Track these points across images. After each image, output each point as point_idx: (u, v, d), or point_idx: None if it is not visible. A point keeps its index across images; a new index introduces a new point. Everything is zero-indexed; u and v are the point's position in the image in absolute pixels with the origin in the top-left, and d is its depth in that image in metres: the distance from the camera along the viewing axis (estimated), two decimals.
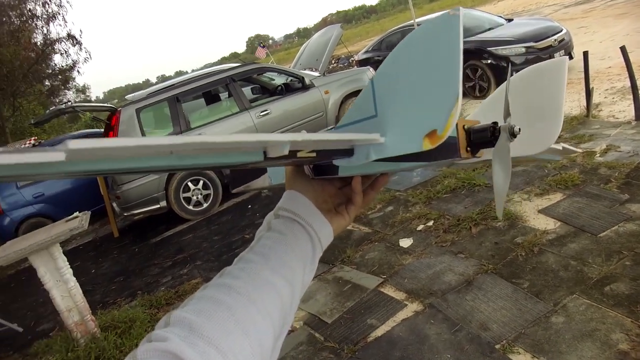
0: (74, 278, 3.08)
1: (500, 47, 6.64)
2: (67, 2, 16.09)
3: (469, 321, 2.38)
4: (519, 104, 0.65)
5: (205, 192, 5.75)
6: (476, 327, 2.32)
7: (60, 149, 0.28)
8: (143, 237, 5.83)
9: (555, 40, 6.59)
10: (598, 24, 9.74)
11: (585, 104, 4.85)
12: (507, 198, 3.51)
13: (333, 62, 15.38)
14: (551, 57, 6.57)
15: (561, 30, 6.80)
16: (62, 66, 17.36)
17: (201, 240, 4.97)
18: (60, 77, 17.92)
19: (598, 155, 3.79)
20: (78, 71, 17.75)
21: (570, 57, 6.80)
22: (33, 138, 7.89)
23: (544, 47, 6.51)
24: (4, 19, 13.96)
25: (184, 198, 5.61)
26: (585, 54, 4.68)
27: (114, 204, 5.97)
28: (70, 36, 16.41)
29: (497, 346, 2.16)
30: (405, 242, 3.39)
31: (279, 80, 6.88)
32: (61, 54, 16.70)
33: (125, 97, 6.63)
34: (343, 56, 16.08)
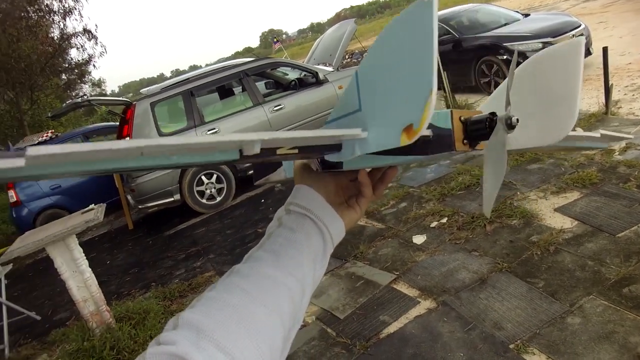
0: (90, 269, 3.13)
1: (516, 42, 6.55)
2: None
3: (483, 320, 2.37)
4: (531, 91, 0.62)
5: (218, 185, 5.78)
6: (490, 326, 2.30)
7: (21, 155, 0.29)
8: (157, 230, 5.89)
9: (573, 35, 6.46)
10: (618, 18, 9.54)
11: (604, 101, 4.76)
12: (522, 196, 3.47)
13: (347, 57, 15.31)
14: None
15: (579, 26, 6.68)
16: (78, 60, 17.54)
17: (214, 233, 5.00)
18: (76, 71, 18.12)
19: (617, 153, 3.72)
20: (94, 65, 17.95)
21: (589, 53, 6.68)
22: (50, 131, 8.00)
23: None
24: (23, 14, 14.12)
25: (197, 191, 5.65)
26: (605, 49, 4.59)
27: (129, 197, 6.04)
28: (86, 31, 16.55)
29: (511, 346, 2.14)
30: (419, 239, 3.37)
31: (292, 75, 6.87)
32: (77, 48, 16.87)
33: (140, 91, 6.67)
34: (357, 51, 15.99)
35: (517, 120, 0.50)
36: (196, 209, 5.71)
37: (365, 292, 2.93)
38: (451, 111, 0.52)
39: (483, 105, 0.71)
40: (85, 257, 3.11)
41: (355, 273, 3.19)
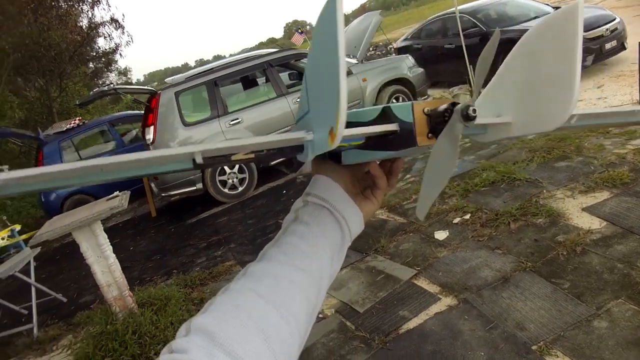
0: (114, 255, 3.19)
1: None
2: None
3: (505, 319, 2.33)
4: (526, 71, 0.56)
5: (240, 175, 5.81)
6: (512, 326, 2.26)
7: None
8: (179, 218, 5.97)
9: (606, 29, 6.26)
10: None
11: (638, 98, 4.60)
12: (549, 194, 3.39)
13: (371, 49, 15.17)
14: (602, 48, 6.26)
15: (614, 19, 6.46)
16: (106, 49, 17.88)
17: (236, 223, 5.04)
18: (103, 59, 18.47)
19: None
20: (120, 54, 18.23)
21: (623, 48, 6.46)
22: (78, 118, 8.17)
23: (594, 37, 6.20)
24: (53, 3, 14.42)
25: (219, 181, 5.70)
26: None
27: (152, 185, 6.13)
28: (113, 20, 16.82)
29: (534, 347, 2.10)
30: (441, 235, 3.33)
31: None
32: (104, 37, 17.18)
33: (165, 80, 6.74)
34: (381, 43, 15.84)
35: (475, 111, 0.47)
36: (218, 198, 5.76)
37: (386, 287, 2.92)
38: (412, 103, 0.50)
39: (476, 103, 0.66)
40: (109, 243, 3.17)
41: (376, 267, 3.17)
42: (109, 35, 17.15)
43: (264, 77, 6.38)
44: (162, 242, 5.30)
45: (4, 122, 10.14)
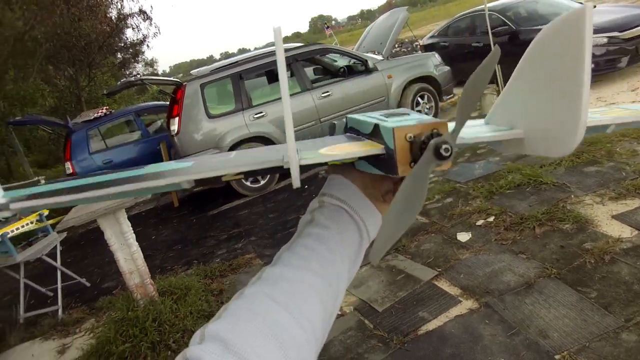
0: (137, 243, 3.24)
1: None
2: None
3: (527, 326, 2.28)
4: (533, 81, 0.50)
5: None
6: (535, 333, 2.22)
7: (4, 207, 0.41)
8: (201, 209, 6.03)
9: None
10: None
11: None
12: (577, 199, 3.30)
13: (396, 46, 15.02)
14: (637, 49, 6.06)
15: None
16: (133, 40, 18.14)
17: (257, 216, 5.07)
18: (131, 50, 18.75)
19: None
20: (147, 45, 18.50)
21: None
22: (105, 107, 8.32)
23: (629, 38, 5.99)
24: None
25: None
26: None
27: None
28: (141, 11, 17.04)
29: (557, 356, 2.04)
30: (463, 236, 3.29)
31: (341, 62, 6.81)
32: (133, 28, 17.43)
33: (190, 72, 6.81)
34: (406, 40, 15.66)
35: (448, 150, 0.41)
36: (240, 191, 5.80)
37: (406, 287, 2.89)
38: (393, 128, 0.45)
39: (487, 115, 0.60)
40: (132, 231, 3.22)
41: (396, 266, 3.15)
42: (137, 27, 17.41)
43: (289, 72, 6.38)
44: (184, 232, 5.37)
45: (35, 109, 10.40)
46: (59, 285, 3.88)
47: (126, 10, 16.91)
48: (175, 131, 5.54)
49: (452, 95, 7.24)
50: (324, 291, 0.50)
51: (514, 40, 7.02)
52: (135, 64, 21.02)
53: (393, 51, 8.44)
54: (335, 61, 6.95)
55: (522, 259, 2.84)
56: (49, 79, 14.82)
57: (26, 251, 3.76)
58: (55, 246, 4.06)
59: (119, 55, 18.81)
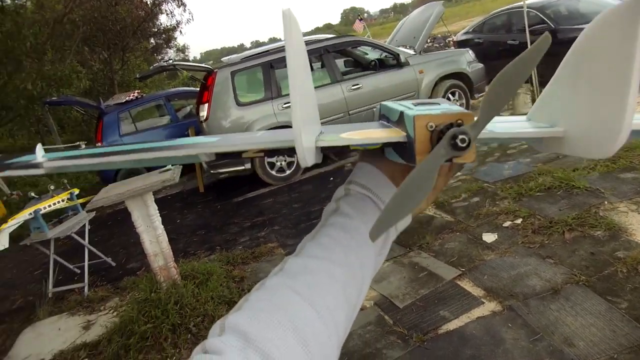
0: (162, 226, 3.29)
1: None
2: None
3: (552, 332, 2.22)
4: (577, 79, 0.47)
5: (289, 159, 5.85)
6: (559, 341, 2.16)
7: (39, 167, 0.46)
8: (226, 196, 6.10)
9: None
10: None
11: None
12: (611, 206, 3.19)
13: (428, 41, 14.77)
14: None
15: None
16: (167, 26, 18.40)
17: (281, 205, 5.09)
18: (164, 36, 19.05)
19: None
20: (180, 31, 18.77)
21: None
22: (137, 91, 8.47)
23: None
24: None
25: (268, 163, 5.76)
26: None
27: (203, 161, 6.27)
28: None
29: None
30: (489, 237, 3.22)
31: (372, 55, 6.74)
32: (167, 14, 17.68)
33: (221, 59, 6.85)
34: (439, 35, 15.40)
35: (465, 140, 0.39)
36: (265, 180, 5.83)
37: (428, 284, 2.86)
38: (413, 116, 0.44)
39: (530, 111, 0.57)
40: (159, 214, 3.27)
41: (419, 263, 3.11)
42: (171, 13, 17.66)
43: (320, 63, 6.36)
44: (208, 218, 5.44)
45: (70, 90, 10.67)
46: (86, 263, 3.99)
47: None
48: (205, 117, 5.60)
49: (484, 93, 7.10)
50: (347, 284, 0.48)
51: (553, 39, 6.76)
52: (168, 49, 21.36)
53: (425, 46, 8.30)
54: (367, 54, 6.89)
55: (549, 263, 2.77)
56: (84, 61, 15.17)
57: (57, 228, 3.88)
58: (84, 225, 4.17)
59: (152, 40, 19.13)
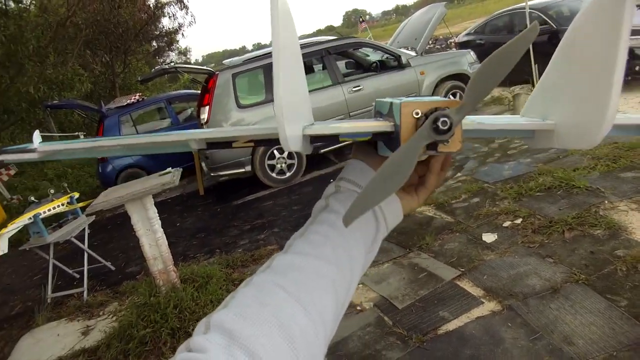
0: (162, 229, 3.29)
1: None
2: None
3: (551, 331, 2.21)
4: (565, 71, 0.48)
5: (289, 161, 5.84)
6: (559, 339, 2.15)
7: (33, 151, 0.47)
8: (226, 198, 6.09)
9: None
10: None
11: None
12: (611, 205, 3.18)
13: (430, 42, 14.76)
14: None
15: None
16: (169, 28, 18.46)
17: (281, 208, 5.09)
18: (166, 38, 19.11)
19: None
20: (182, 34, 18.80)
21: None
22: (138, 94, 8.48)
23: None
24: None
25: (268, 165, 5.76)
26: None
27: (203, 164, 6.28)
28: (178, 0, 17.31)
29: None
30: (489, 237, 3.21)
31: (374, 56, 6.74)
32: (169, 17, 17.75)
33: (223, 62, 6.86)
34: (441, 37, 15.39)
35: (447, 123, 0.39)
36: (265, 182, 5.82)
37: (427, 285, 2.85)
38: (400, 103, 0.44)
39: (526, 104, 0.57)
40: (158, 217, 3.27)
41: (419, 264, 3.10)
42: (174, 15, 17.74)
43: (321, 65, 6.36)
44: (208, 221, 5.43)
45: (72, 93, 10.71)
46: (85, 267, 3.98)
47: None
48: (205, 120, 5.60)
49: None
50: (336, 281, 0.48)
51: (555, 40, 6.79)
52: (170, 52, 21.43)
53: (427, 48, 8.30)
54: (368, 56, 6.89)
55: (549, 262, 2.75)
56: (86, 64, 15.23)
57: (56, 232, 3.87)
58: (84, 229, 4.17)
59: (154, 43, 19.18)
